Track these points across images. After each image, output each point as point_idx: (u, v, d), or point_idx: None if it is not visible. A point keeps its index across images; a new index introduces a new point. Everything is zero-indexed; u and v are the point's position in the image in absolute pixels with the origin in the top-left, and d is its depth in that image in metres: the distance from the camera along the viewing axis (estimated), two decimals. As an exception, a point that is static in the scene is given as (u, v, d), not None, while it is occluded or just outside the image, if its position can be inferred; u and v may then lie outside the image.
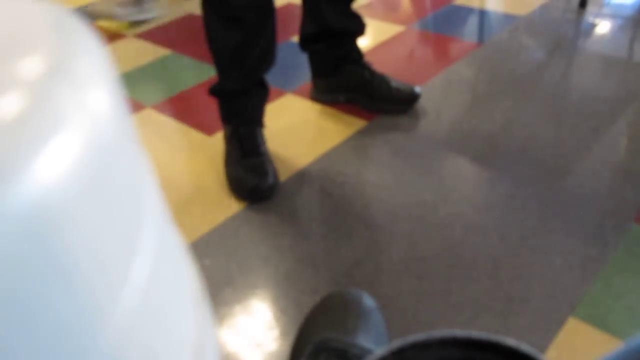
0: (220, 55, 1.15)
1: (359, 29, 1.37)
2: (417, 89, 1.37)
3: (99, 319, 0.14)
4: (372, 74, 1.39)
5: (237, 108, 1.21)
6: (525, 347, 0.42)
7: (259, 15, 1.11)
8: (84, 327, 0.14)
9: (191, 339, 0.20)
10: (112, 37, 1.92)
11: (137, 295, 0.16)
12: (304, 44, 1.40)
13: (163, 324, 0.18)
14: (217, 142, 1.32)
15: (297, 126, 1.36)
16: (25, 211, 0.12)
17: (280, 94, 1.50)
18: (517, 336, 0.82)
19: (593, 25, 1.75)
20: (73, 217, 0.13)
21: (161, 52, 1.74)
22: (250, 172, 1.11)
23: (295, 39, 1.78)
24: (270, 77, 1.62)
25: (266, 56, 1.18)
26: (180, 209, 1.12)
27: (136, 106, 1.51)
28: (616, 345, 0.81)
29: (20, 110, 0.13)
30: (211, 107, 1.42)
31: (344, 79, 1.40)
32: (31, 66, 0.14)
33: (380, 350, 0.40)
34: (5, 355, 0.12)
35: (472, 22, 1.84)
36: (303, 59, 1.49)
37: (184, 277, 0.21)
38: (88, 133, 0.14)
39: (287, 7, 2.05)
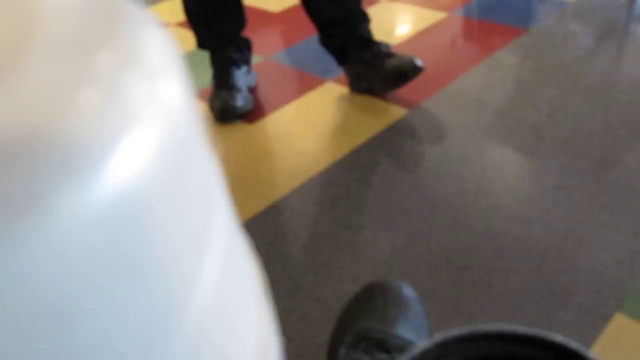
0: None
1: (352, 16, 1.36)
2: (418, 62, 1.32)
3: (175, 320, 0.14)
4: (374, 54, 1.36)
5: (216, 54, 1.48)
6: (572, 343, 0.41)
7: None
8: (161, 328, 0.14)
9: (256, 338, 0.20)
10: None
11: (210, 294, 0.16)
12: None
13: (233, 323, 0.18)
14: (258, 130, 1.33)
15: (337, 114, 1.35)
16: (107, 209, 0.12)
17: (321, 82, 1.49)
18: (560, 331, 0.80)
19: (646, 10, 1.68)
20: (152, 214, 0.13)
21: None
22: (219, 99, 1.37)
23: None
24: (310, 65, 1.61)
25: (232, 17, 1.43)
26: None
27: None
28: (666, 343, 0.78)
29: (96, 102, 0.13)
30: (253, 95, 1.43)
31: (351, 66, 1.40)
32: (101, 57, 0.14)
33: (424, 343, 0.40)
34: (86, 354, 0.12)
35: (517, 9, 1.79)
36: (343, 47, 1.48)
37: (250, 275, 0.21)
38: (162, 125, 0.14)
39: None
